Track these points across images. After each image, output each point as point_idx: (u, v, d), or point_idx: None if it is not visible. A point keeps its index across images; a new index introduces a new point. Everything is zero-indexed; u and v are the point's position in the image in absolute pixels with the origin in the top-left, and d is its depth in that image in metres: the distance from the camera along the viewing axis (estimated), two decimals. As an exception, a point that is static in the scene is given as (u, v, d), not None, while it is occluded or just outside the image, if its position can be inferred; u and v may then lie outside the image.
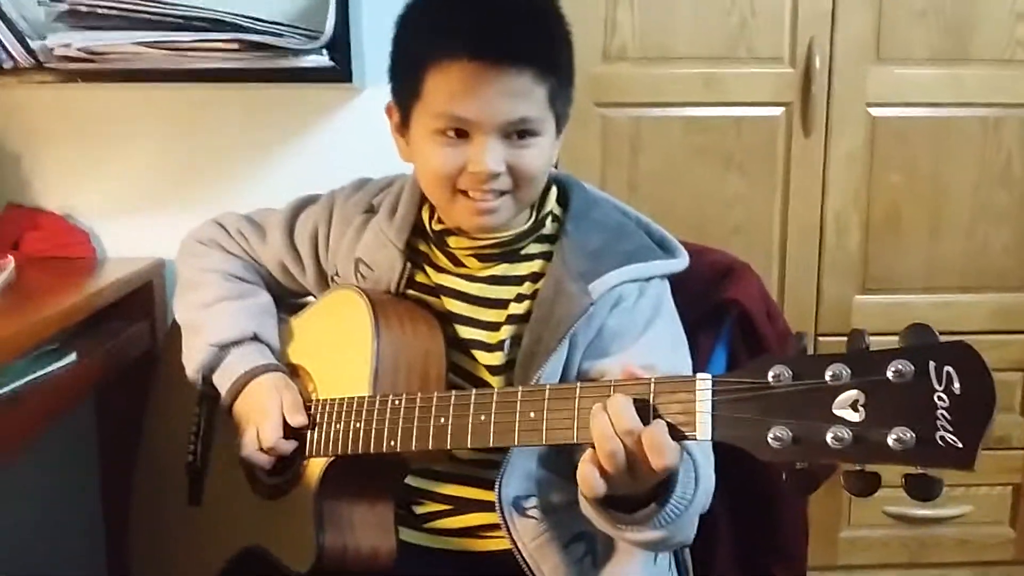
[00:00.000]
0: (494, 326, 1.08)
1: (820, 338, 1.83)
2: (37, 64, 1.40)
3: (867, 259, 1.85)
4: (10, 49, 1.38)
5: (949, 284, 1.86)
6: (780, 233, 1.83)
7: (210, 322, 1.16)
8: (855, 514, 1.92)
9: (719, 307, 1.18)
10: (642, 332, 1.04)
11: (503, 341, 1.07)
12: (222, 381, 1.14)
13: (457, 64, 0.95)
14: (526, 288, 1.07)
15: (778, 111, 1.79)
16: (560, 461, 1.05)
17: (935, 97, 1.80)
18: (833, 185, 1.81)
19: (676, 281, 1.12)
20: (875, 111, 1.80)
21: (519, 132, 0.99)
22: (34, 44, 1.39)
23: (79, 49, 1.36)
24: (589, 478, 0.83)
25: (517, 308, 1.07)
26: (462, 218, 1.03)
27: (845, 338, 0.74)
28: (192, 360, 1.16)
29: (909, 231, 1.84)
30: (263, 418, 1.07)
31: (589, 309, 1.01)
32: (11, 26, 1.38)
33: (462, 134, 0.98)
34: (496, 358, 1.07)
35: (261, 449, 1.06)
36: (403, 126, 1.05)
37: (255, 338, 1.15)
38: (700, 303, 1.18)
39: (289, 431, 1.07)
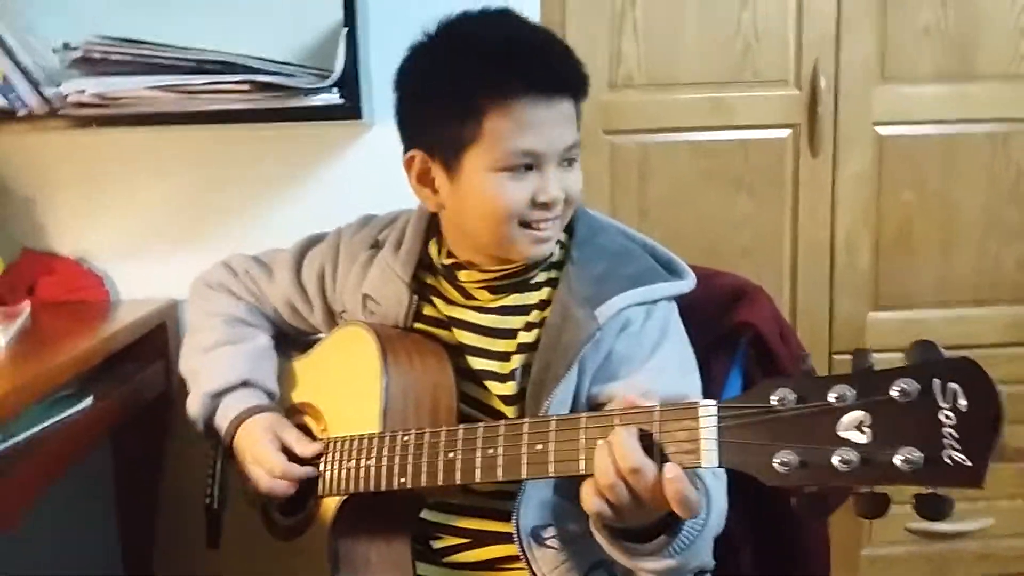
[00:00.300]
0: (505, 356, 1.08)
1: (835, 356, 1.83)
2: (51, 111, 1.42)
3: (879, 276, 1.85)
4: (24, 97, 1.40)
5: (962, 299, 1.86)
6: (791, 253, 1.83)
7: (206, 369, 1.18)
8: (876, 532, 1.90)
9: (732, 331, 1.18)
10: (650, 355, 1.04)
11: (515, 370, 1.07)
12: (220, 428, 1.15)
13: (521, 100, 0.98)
14: (534, 316, 1.07)
15: (785, 133, 1.80)
16: (575, 489, 1.04)
17: (942, 114, 1.81)
18: (842, 204, 1.82)
19: (688, 306, 1.11)
20: (882, 130, 1.80)
21: (568, 158, 1.03)
22: (48, 91, 1.41)
23: (93, 95, 1.38)
24: (593, 506, 0.83)
25: (526, 336, 1.07)
26: (522, 250, 1.04)
27: (855, 350, 0.73)
28: (191, 409, 1.18)
29: (920, 248, 1.84)
30: (261, 450, 1.08)
31: (596, 334, 1.01)
32: (26, 74, 1.40)
33: (527, 167, 1.00)
34: (509, 388, 1.07)
35: (275, 478, 1.07)
36: (446, 172, 1.04)
37: (245, 384, 1.16)
38: (713, 327, 1.18)
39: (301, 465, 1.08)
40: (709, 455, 0.76)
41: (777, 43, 1.77)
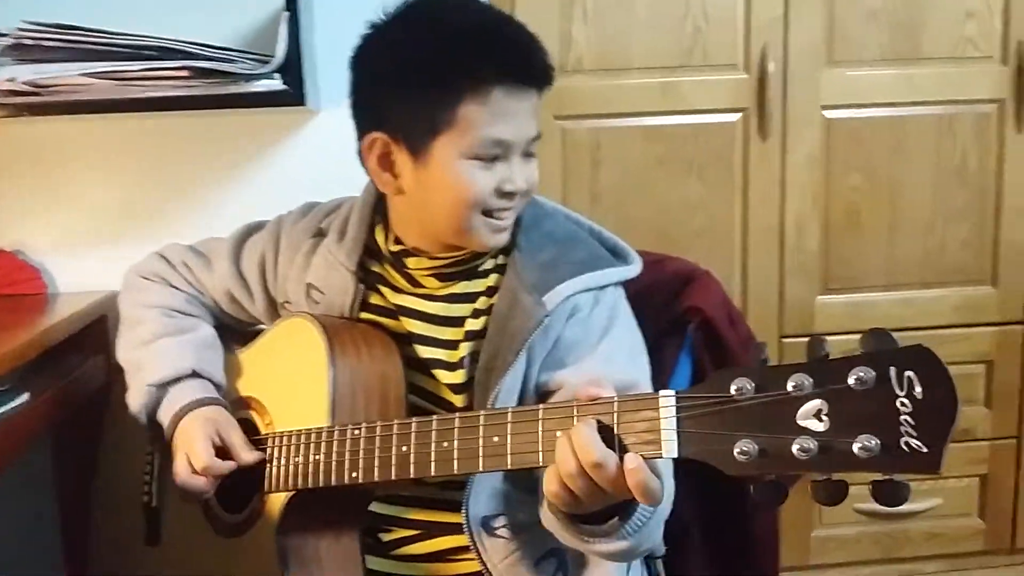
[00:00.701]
0: (453, 344, 1.07)
1: (784, 340, 1.85)
2: (-19, 99, 1.37)
3: (828, 259, 1.87)
4: (-47, 86, 1.35)
5: (910, 281, 1.89)
6: (741, 237, 1.84)
7: (148, 361, 1.15)
8: (826, 513, 1.93)
9: (681, 316, 1.18)
10: (599, 341, 1.04)
11: (463, 359, 1.06)
12: (163, 420, 1.13)
13: (495, 90, 0.97)
14: (481, 303, 1.07)
15: (735, 117, 1.81)
16: (526, 479, 1.04)
17: (889, 97, 1.83)
18: (792, 188, 1.83)
19: (637, 291, 1.11)
20: (830, 113, 1.82)
21: (532, 149, 1.03)
22: (-23, 80, 1.36)
23: (25, 83, 1.34)
24: (554, 495, 0.83)
25: (474, 324, 1.06)
26: (482, 238, 1.03)
27: (808, 339, 0.74)
28: (133, 401, 1.15)
29: (868, 230, 1.87)
30: (190, 443, 1.06)
31: (544, 321, 1.01)
32: (-46, 63, 1.36)
33: (495, 156, 1.00)
34: (457, 376, 1.07)
35: (196, 472, 1.05)
36: (412, 156, 1.02)
37: (194, 374, 1.14)
38: (662, 313, 1.18)
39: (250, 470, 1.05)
40: (669, 445, 0.77)
41: (726, 27, 1.78)
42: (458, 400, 1.07)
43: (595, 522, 0.87)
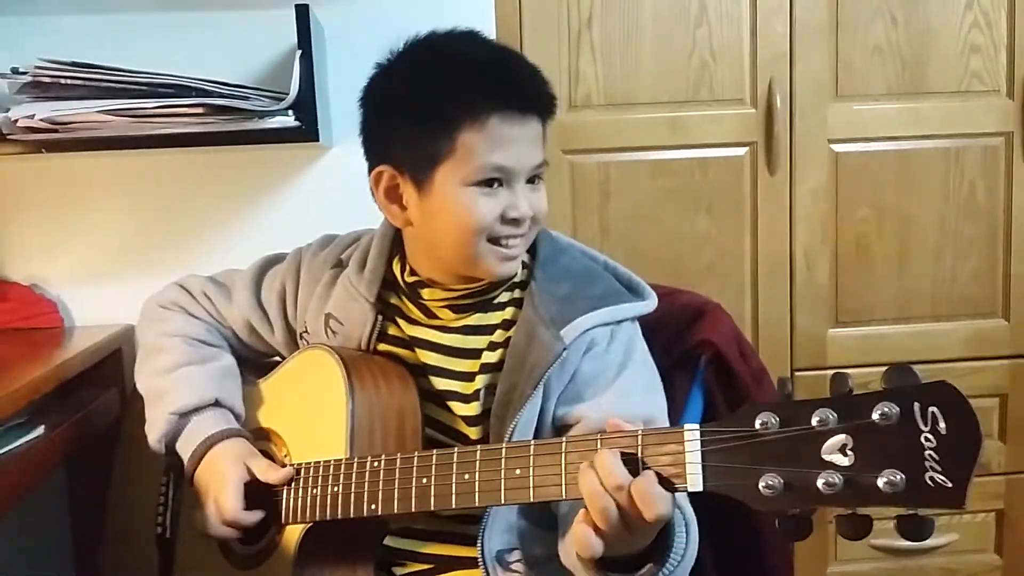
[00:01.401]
0: (468, 376, 1.07)
1: (796, 373, 1.84)
2: (0, 136, 1.39)
3: (838, 292, 1.86)
4: (-28, 122, 1.38)
5: (921, 313, 1.88)
6: (751, 270, 1.84)
7: (170, 389, 1.15)
8: (842, 549, 1.91)
9: (693, 349, 1.19)
10: (616, 376, 1.04)
11: (478, 391, 1.06)
12: (184, 450, 1.12)
13: (495, 116, 0.99)
14: (498, 336, 1.07)
15: (742, 151, 1.82)
16: (542, 513, 1.04)
17: (896, 131, 1.83)
18: (801, 221, 1.84)
19: (649, 325, 1.12)
20: (837, 147, 1.83)
21: (536, 176, 1.04)
22: (-4, 117, 1.39)
23: (43, 120, 1.36)
24: (584, 539, 0.82)
25: (490, 357, 1.07)
26: (489, 267, 1.04)
27: (820, 372, 0.75)
28: (153, 430, 1.14)
29: (878, 263, 1.86)
30: (221, 488, 1.05)
31: (562, 354, 1.01)
32: (-27, 100, 1.38)
33: (496, 183, 1.01)
34: (472, 408, 1.07)
35: (224, 523, 1.05)
36: (416, 187, 1.04)
37: (216, 404, 1.14)
38: (674, 346, 1.19)
39: (262, 498, 1.05)
40: (694, 478, 0.77)
41: (732, 62, 1.79)
42: (473, 432, 1.07)
43: (627, 571, 0.86)
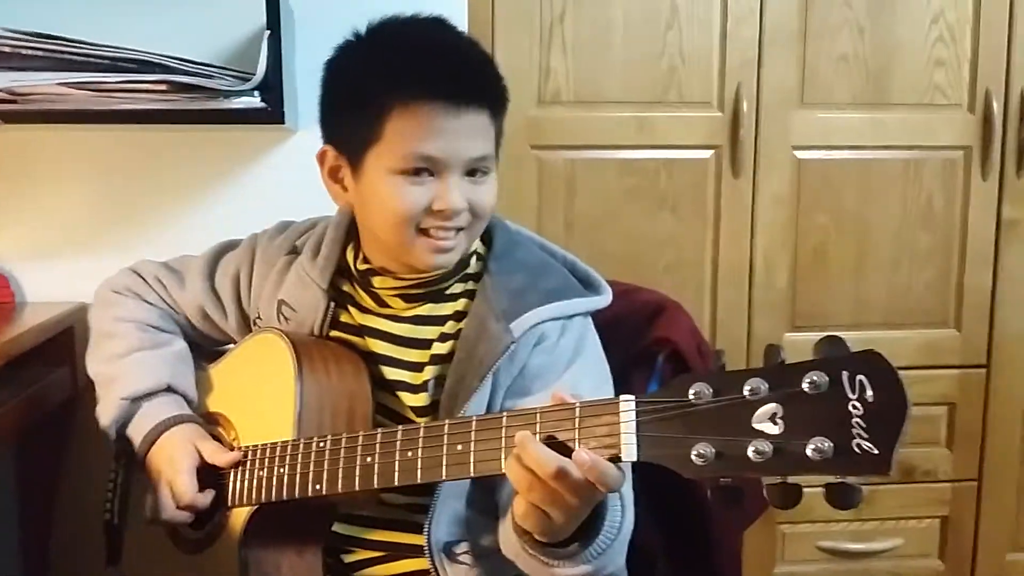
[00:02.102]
0: (418, 366, 1.07)
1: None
2: (-44, 105, 1.36)
3: (795, 297, 1.89)
4: (-72, 90, 1.34)
5: (875, 321, 1.91)
6: (711, 272, 1.86)
7: (122, 374, 1.14)
8: (789, 549, 1.93)
9: (651, 346, 1.19)
10: (564, 370, 1.04)
11: (427, 382, 1.06)
12: (135, 435, 1.11)
13: (425, 106, 0.98)
14: (449, 327, 1.07)
15: (708, 154, 1.83)
16: (489, 504, 1.04)
17: (858, 140, 1.86)
18: (761, 225, 1.86)
19: (608, 320, 1.12)
20: (800, 154, 1.85)
21: (476, 169, 1.02)
22: (-47, 85, 1.35)
23: (1, 90, 1.33)
24: (528, 516, 0.83)
25: (440, 348, 1.07)
26: (420, 257, 1.03)
27: (767, 346, 0.75)
28: (104, 415, 1.13)
29: (835, 270, 1.89)
30: (175, 473, 1.05)
31: (511, 347, 1.01)
32: (-71, 66, 1.35)
33: (424, 172, 1.00)
34: (421, 399, 1.07)
35: (179, 508, 1.04)
36: (351, 170, 1.04)
37: (169, 389, 1.14)
38: (632, 342, 1.19)
39: (208, 481, 1.04)
40: (629, 448, 0.77)
41: (702, 66, 1.81)
42: (421, 423, 1.07)
43: (558, 546, 0.87)
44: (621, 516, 0.91)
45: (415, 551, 1.06)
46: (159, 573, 1.11)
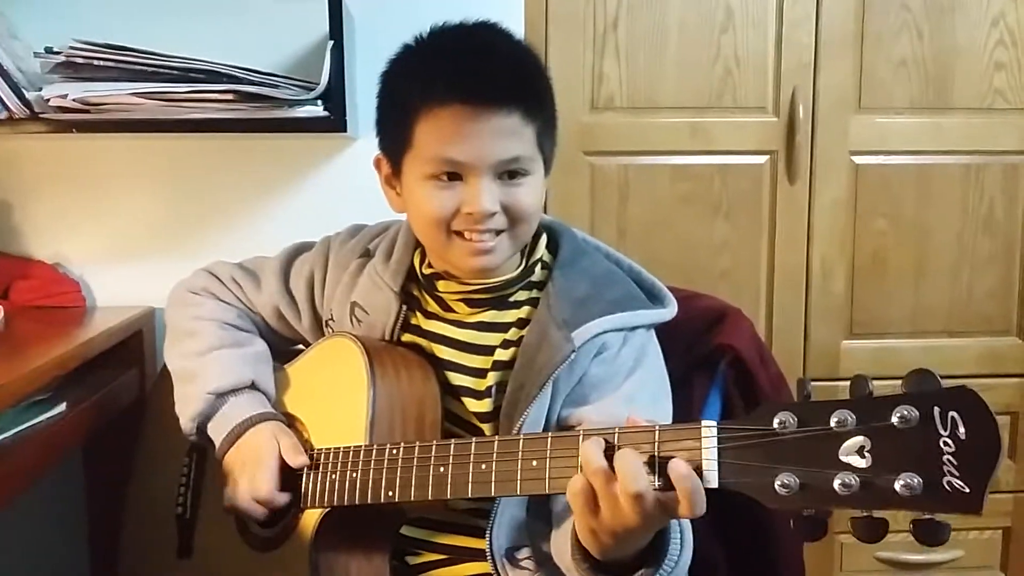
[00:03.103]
0: (481, 372, 1.08)
1: (809, 383, 1.84)
2: (32, 115, 1.40)
3: (853, 304, 1.87)
4: (5, 100, 1.39)
5: (935, 328, 1.88)
6: (767, 279, 1.85)
7: (206, 370, 1.15)
8: (847, 560, 1.91)
9: (712, 352, 1.19)
10: (623, 382, 1.04)
11: (489, 388, 1.07)
12: (217, 430, 1.12)
13: (447, 109, 0.98)
14: (512, 334, 1.07)
15: (763, 159, 1.82)
16: (548, 510, 1.04)
17: (917, 145, 1.84)
18: (818, 231, 1.84)
19: (669, 328, 1.12)
20: (858, 159, 1.83)
21: (511, 171, 1.01)
22: (30, 95, 1.40)
23: (75, 100, 1.37)
24: (588, 534, 0.83)
25: (503, 354, 1.07)
26: (460, 261, 1.04)
27: (833, 383, 0.75)
28: (187, 409, 1.14)
29: (894, 276, 1.87)
30: (258, 468, 1.06)
31: (571, 356, 1.00)
32: (7, 77, 1.39)
33: (455, 177, 1.00)
34: (484, 405, 1.07)
35: (256, 500, 1.05)
36: (394, 176, 1.07)
37: (252, 386, 1.14)
38: (693, 349, 1.19)
39: (284, 481, 1.06)
40: (710, 474, 0.77)
41: (756, 70, 1.80)
42: (486, 429, 1.07)
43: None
44: (680, 549, 0.89)
45: (477, 555, 1.06)
46: (228, 568, 1.13)
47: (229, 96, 1.39)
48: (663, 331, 1.11)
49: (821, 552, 1.87)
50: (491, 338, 1.08)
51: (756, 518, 1.13)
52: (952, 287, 1.88)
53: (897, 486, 0.68)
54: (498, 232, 1.02)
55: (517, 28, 1.66)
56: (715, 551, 1.15)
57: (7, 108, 1.39)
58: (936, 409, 0.68)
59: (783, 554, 1.20)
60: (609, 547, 0.83)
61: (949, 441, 0.67)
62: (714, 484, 0.77)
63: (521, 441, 0.89)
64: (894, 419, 0.69)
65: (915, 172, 1.85)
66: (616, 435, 0.83)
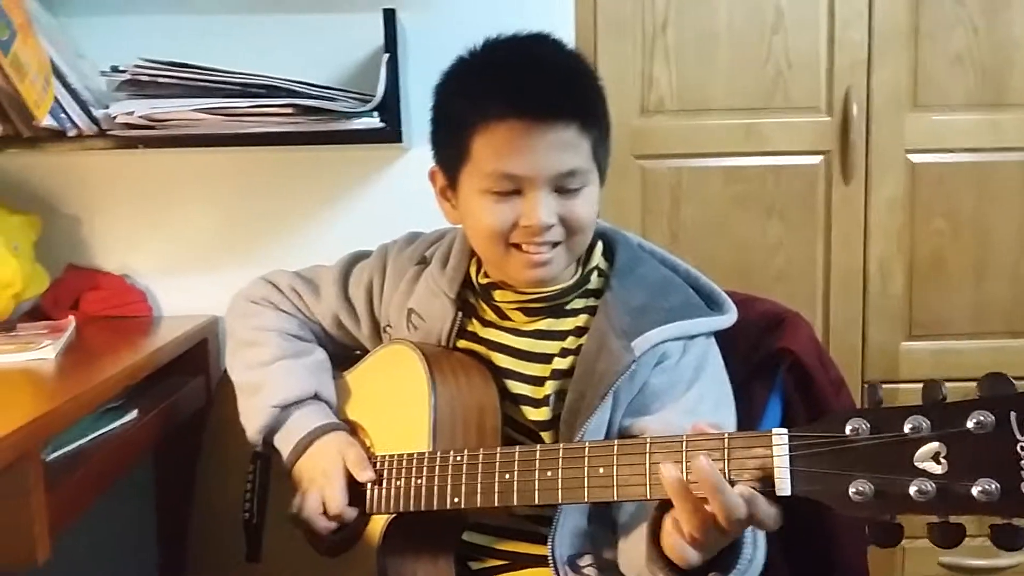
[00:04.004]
0: (539, 380, 1.09)
1: (867, 386, 1.81)
2: (100, 132, 1.44)
3: (912, 305, 1.84)
4: (74, 118, 1.43)
5: (996, 329, 1.85)
6: (823, 280, 1.83)
7: (269, 382, 1.17)
8: (909, 565, 1.88)
9: (771, 356, 1.18)
10: (685, 391, 1.04)
11: (548, 396, 1.07)
12: (284, 441, 1.14)
13: (504, 124, 0.99)
14: (570, 343, 1.08)
15: (817, 159, 1.81)
16: (609, 518, 1.05)
17: (974, 142, 1.81)
18: (875, 231, 1.82)
19: (728, 332, 1.11)
20: (914, 157, 1.81)
21: (568, 184, 1.02)
22: (97, 113, 1.44)
23: (141, 116, 1.41)
24: (679, 549, 0.83)
25: (561, 363, 1.07)
26: (517, 272, 1.05)
27: (893, 385, 0.74)
28: (253, 422, 1.16)
29: (954, 276, 1.84)
30: (328, 483, 1.07)
31: (632, 366, 1.01)
32: (75, 96, 1.43)
33: (513, 190, 1.01)
34: (542, 413, 1.08)
35: (325, 514, 1.07)
36: (449, 189, 1.08)
37: (316, 397, 1.16)
38: (753, 353, 1.19)
39: (350, 488, 1.07)
40: (782, 483, 0.77)
41: (809, 70, 1.78)
42: (546, 436, 1.08)
43: None
44: (754, 548, 0.89)
45: (539, 561, 1.07)
46: (296, 572, 1.15)
47: (288, 110, 1.41)
48: (721, 336, 1.11)
49: (884, 557, 1.84)
50: (549, 346, 1.09)
51: (818, 521, 1.13)
52: (1013, 286, 1.84)
53: (974, 492, 0.68)
54: (555, 244, 1.03)
55: (567, 34, 1.67)
56: (776, 555, 1.15)
57: (76, 126, 1.43)
58: (1013, 414, 0.68)
59: (845, 558, 1.19)
60: (694, 557, 0.83)
61: None
62: (787, 492, 0.77)
63: (587, 448, 0.90)
64: (970, 424, 0.69)
65: (972, 170, 1.82)
66: (684, 442, 0.83)
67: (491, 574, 1.13)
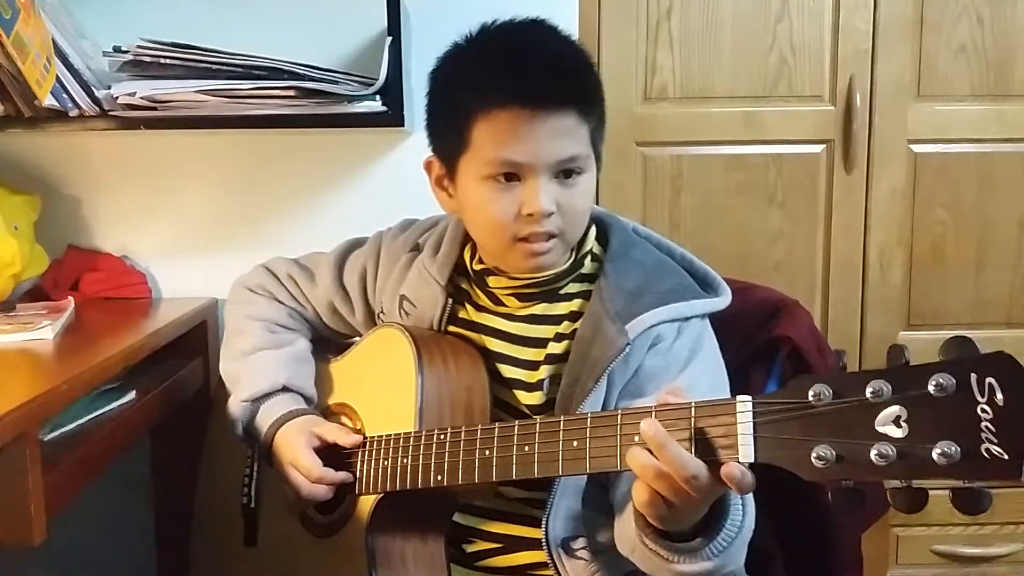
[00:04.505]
0: (533, 365, 1.09)
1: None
2: (102, 112, 1.44)
3: (911, 295, 1.85)
4: (76, 98, 1.43)
5: (996, 320, 1.85)
6: (823, 269, 1.83)
7: (244, 375, 1.20)
8: (903, 553, 1.89)
9: (770, 344, 1.18)
10: (679, 372, 1.04)
11: (542, 381, 1.08)
12: (258, 435, 1.17)
13: (506, 111, 0.98)
14: (564, 327, 1.08)
15: (819, 148, 1.80)
16: (604, 500, 1.05)
17: (977, 133, 1.81)
18: (876, 221, 1.82)
19: (726, 319, 1.12)
20: (917, 147, 1.80)
21: (567, 171, 1.02)
22: (99, 93, 1.44)
23: (143, 97, 1.41)
24: (650, 505, 0.83)
25: (556, 348, 1.08)
26: (517, 262, 1.05)
27: (890, 346, 0.74)
28: (231, 416, 1.20)
29: (954, 267, 1.84)
30: (295, 456, 1.10)
31: (626, 349, 1.01)
32: (77, 76, 1.43)
33: (513, 177, 1.01)
34: (535, 398, 1.08)
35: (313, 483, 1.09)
36: (448, 178, 1.08)
37: (284, 389, 1.18)
38: (750, 340, 1.19)
39: (338, 468, 1.09)
40: (746, 450, 0.77)
41: (812, 58, 1.78)
42: (538, 419, 1.08)
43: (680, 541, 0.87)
44: (742, 514, 0.90)
45: (533, 544, 1.08)
46: (292, 555, 1.16)
47: (291, 92, 1.41)
48: (719, 323, 1.11)
49: (876, 545, 1.85)
50: (543, 331, 1.09)
51: (813, 509, 1.13)
52: (1013, 277, 1.84)
53: (934, 455, 0.67)
54: (551, 236, 1.03)
55: (571, 20, 1.67)
56: (770, 541, 1.15)
57: (78, 106, 1.43)
58: (973, 376, 0.66)
59: (840, 546, 1.20)
60: (669, 519, 0.84)
61: (987, 408, 0.65)
62: (751, 459, 0.76)
63: (562, 422, 0.90)
64: (930, 387, 0.67)
65: (975, 160, 1.81)
66: (653, 413, 0.83)
67: (485, 556, 1.13)
